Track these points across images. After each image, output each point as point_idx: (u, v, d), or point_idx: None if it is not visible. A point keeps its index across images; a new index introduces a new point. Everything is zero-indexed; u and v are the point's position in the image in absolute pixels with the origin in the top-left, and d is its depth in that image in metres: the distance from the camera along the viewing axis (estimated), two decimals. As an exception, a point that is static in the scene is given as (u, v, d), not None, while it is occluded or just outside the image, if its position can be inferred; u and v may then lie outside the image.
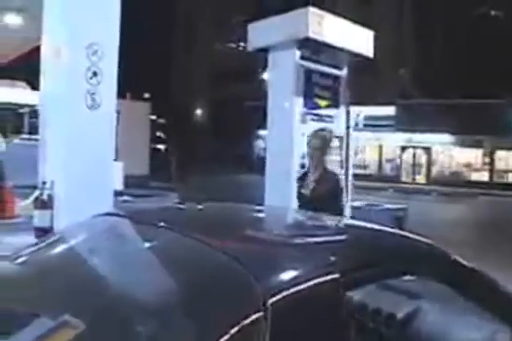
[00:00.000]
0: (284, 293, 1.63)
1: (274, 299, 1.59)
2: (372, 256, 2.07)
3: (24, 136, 15.77)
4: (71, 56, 4.31)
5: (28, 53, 13.54)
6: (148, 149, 24.34)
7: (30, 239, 4.21)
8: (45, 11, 4.50)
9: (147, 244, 2.18)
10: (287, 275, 1.78)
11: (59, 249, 2.45)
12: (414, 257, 2.23)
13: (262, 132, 30.30)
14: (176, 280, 1.85)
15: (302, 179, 4.88)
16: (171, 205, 3.27)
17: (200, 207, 2.79)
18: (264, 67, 6.62)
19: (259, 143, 33.32)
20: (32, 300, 1.88)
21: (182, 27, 42.68)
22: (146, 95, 40.27)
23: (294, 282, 1.70)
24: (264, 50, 6.48)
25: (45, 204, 4.34)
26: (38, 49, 4.78)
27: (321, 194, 4.55)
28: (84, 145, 4.34)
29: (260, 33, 6.51)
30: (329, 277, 1.76)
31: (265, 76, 24.08)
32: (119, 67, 4.55)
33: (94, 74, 4.36)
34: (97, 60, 4.35)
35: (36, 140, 4.93)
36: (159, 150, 37.41)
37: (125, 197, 12.85)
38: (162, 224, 2.23)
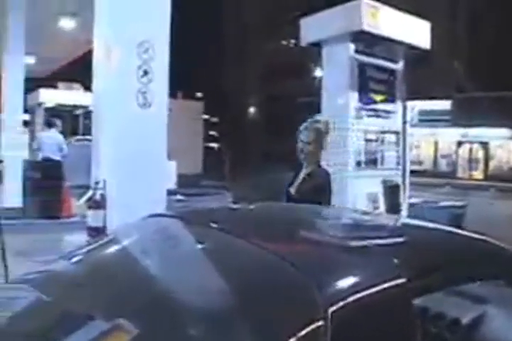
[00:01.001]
0: (346, 301, 1.49)
1: (335, 307, 1.45)
2: (438, 259, 1.92)
3: (79, 136, 16.13)
4: (122, 55, 4.30)
5: (83, 55, 13.85)
6: (201, 148, 24.56)
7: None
8: (96, 11, 4.50)
9: (199, 247, 2.08)
10: (349, 280, 1.64)
11: (109, 250, 2.40)
12: (484, 260, 2.08)
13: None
14: (229, 285, 1.74)
15: (295, 176, 4.30)
16: (225, 206, 3.18)
17: (254, 207, 2.69)
18: (317, 63, 6.44)
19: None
20: (83, 301, 1.84)
21: (233, 24, 42.79)
22: (199, 94, 40.63)
23: (357, 288, 1.56)
24: (317, 45, 6.33)
25: (98, 204, 4.35)
26: (92, 51, 4.80)
27: (305, 192, 4.02)
28: (136, 144, 4.31)
29: (313, 27, 6.36)
30: (395, 282, 1.61)
31: (318, 72, 23.87)
32: (171, 66, 4.50)
33: (145, 72, 4.32)
34: (148, 58, 4.31)
35: (90, 140, 4.98)
36: (212, 149, 37.72)
37: (178, 197, 12.92)
38: (215, 225, 2.14)
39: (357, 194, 6.02)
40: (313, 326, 1.42)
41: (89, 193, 4.49)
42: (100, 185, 4.36)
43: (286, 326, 1.46)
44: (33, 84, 18.29)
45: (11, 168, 11.00)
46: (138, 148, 4.31)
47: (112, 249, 2.41)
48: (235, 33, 42.67)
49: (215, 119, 43.54)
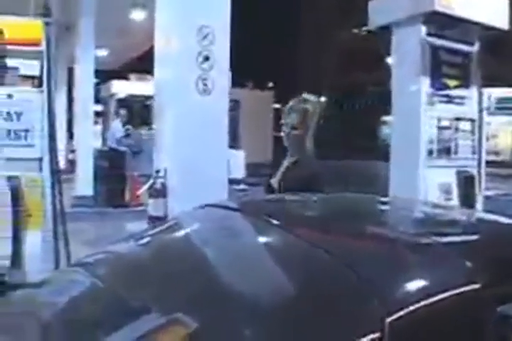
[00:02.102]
0: (407, 310, 1.29)
1: (394, 317, 1.26)
2: None
3: (151, 126, 16.40)
4: (182, 41, 4.22)
5: (153, 47, 14.02)
6: (271, 138, 24.43)
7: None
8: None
9: (243, 240, 1.95)
10: (411, 286, 1.43)
11: (156, 240, 2.33)
12: None
13: (387, 118, 29.36)
14: (272, 287, 1.56)
15: (278, 166, 3.69)
16: (282, 196, 3.00)
17: (314, 198, 2.52)
18: (389, 50, 6.11)
19: (385, 130, 32.35)
20: (131, 291, 1.77)
21: (306, 12, 42.36)
22: (270, 84, 40.64)
23: (420, 296, 1.35)
24: (387, 28, 6.03)
25: (158, 192, 4.30)
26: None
27: (289, 182, 3.42)
28: (196, 132, 4.23)
29: (382, 9, 6.05)
30: (466, 289, 1.40)
31: (390, 60, 23.18)
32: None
33: (206, 58, 4.21)
34: (208, 43, 4.20)
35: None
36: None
37: (242, 186, 12.83)
38: (267, 217, 1.99)
39: (428, 184, 5.72)
40: (367, 338, 1.24)
41: (150, 182, 4.45)
42: (161, 174, 4.31)
43: (336, 336, 1.29)
44: (106, 75, 18.76)
45: (83, 157, 11.36)
46: (198, 136, 4.23)
47: (160, 238, 2.34)
48: (308, 21, 42.25)
49: (285, 109, 43.46)
